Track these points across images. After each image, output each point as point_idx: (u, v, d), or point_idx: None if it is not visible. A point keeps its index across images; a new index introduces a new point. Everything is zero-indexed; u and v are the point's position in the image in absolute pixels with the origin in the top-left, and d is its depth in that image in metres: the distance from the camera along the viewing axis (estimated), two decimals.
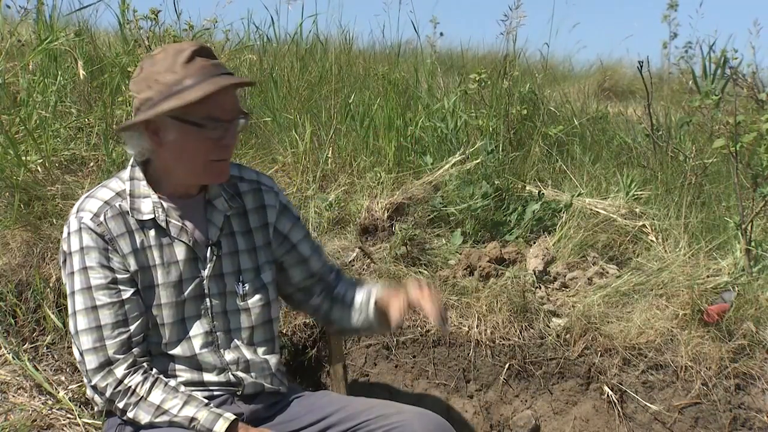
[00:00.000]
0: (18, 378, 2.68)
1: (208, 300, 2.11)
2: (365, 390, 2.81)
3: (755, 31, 6.29)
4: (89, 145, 3.40)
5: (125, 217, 2.03)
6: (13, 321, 2.79)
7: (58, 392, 2.67)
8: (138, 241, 2.03)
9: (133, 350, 2.01)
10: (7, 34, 4.03)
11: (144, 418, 1.99)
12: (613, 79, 7.08)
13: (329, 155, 3.57)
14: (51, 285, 2.83)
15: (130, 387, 1.98)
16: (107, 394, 1.99)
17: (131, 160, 2.11)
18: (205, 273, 2.10)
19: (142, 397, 1.99)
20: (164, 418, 1.99)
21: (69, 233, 2.01)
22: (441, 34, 6.25)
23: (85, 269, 1.99)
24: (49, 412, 2.62)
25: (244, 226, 2.19)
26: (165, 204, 2.07)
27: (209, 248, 2.12)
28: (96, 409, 2.16)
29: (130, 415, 2.00)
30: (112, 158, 3.25)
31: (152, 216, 2.05)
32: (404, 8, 8.50)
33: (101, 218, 2.00)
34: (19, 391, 2.65)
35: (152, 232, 2.06)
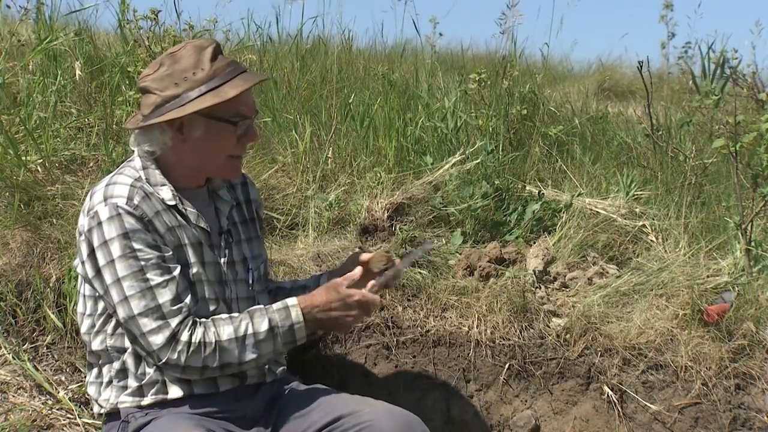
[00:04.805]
0: (18, 378, 2.68)
1: (226, 286, 2.13)
2: (365, 390, 2.81)
3: (757, 31, 6.30)
4: (89, 145, 3.40)
5: (152, 198, 2.03)
6: (13, 321, 2.78)
7: (58, 392, 2.67)
8: (168, 220, 2.04)
9: (190, 318, 2.00)
10: (7, 34, 4.03)
11: (231, 358, 1.99)
12: (613, 79, 7.08)
13: (329, 155, 3.57)
14: (51, 285, 2.83)
15: (200, 342, 1.97)
16: (182, 363, 1.96)
17: (136, 152, 2.11)
18: (222, 260, 2.13)
19: (217, 341, 1.98)
20: (250, 342, 2.00)
21: (101, 222, 1.96)
22: (440, 34, 6.25)
23: (133, 251, 1.95)
24: (49, 412, 2.61)
25: (241, 216, 2.25)
26: (179, 193, 2.09)
27: (222, 236, 2.15)
28: (97, 411, 2.16)
29: (215, 365, 1.98)
30: (112, 158, 3.24)
31: (174, 202, 2.06)
32: (404, 8, 8.47)
33: (135, 201, 1.99)
34: (19, 391, 2.65)
35: (177, 216, 2.07)
